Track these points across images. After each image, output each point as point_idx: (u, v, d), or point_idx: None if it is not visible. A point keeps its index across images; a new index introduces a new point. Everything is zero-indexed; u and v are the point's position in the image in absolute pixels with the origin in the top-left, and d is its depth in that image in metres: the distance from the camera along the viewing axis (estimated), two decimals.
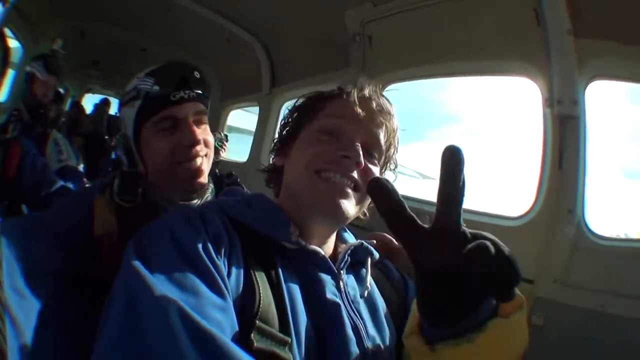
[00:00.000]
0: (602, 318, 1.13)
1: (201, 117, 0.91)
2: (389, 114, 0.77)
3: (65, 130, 2.70)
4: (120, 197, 0.88)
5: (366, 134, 0.73)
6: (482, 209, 1.49)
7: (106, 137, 3.81)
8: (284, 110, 2.54)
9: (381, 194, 0.55)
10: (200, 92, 0.91)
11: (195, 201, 0.92)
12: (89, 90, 5.50)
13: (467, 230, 0.53)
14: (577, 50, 1.26)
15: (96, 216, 0.84)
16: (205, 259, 0.55)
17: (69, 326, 0.68)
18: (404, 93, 1.86)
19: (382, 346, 0.68)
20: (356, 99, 0.73)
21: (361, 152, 0.69)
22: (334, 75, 2.07)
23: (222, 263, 0.57)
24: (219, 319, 0.50)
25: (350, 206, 0.69)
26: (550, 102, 1.34)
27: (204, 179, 0.91)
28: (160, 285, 0.50)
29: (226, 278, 0.56)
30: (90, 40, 3.42)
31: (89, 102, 5.21)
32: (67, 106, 4.11)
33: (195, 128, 0.88)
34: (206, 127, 0.93)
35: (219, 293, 0.52)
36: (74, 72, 4.41)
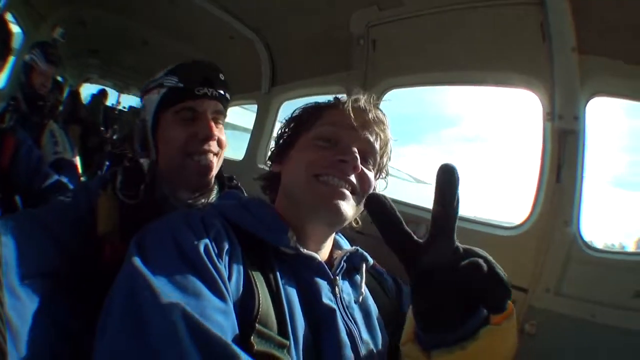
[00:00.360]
0: (593, 327, 1.13)
1: (219, 116, 0.91)
2: (383, 124, 0.77)
3: (62, 120, 2.58)
4: (123, 194, 0.85)
5: (362, 142, 0.73)
6: (478, 218, 1.47)
7: (102, 128, 3.68)
8: (282, 110, 2.52)
9: (379, 208, 0.56)
10: (222, 92, 0.91)
11: (202, 201, 0.91)
12: (87, 80, 5.28)
13: (461, 246, 0.55)
14: (581, 67, 1.25)
15: (99, 214, 0.81)
16: (207, 262, 0.54)
17: (64, 329, 0.65)
18: (401, 95, 1.85)
19: (375, 351, 0.68)
20: (351, 109, 0.73)
21: (358, 157, 0.70)
22: (335, 77, 2.02)
23: (223, 266, 0.56)
24: (221, 322, 0.49)
25: (348, 208, 0.69)
26: (551, 116, 1.33)
27: (211, 177, 0.90)
28: (163, 287, 0.48)
29: (227, 281, 0.55)
30: (90, 28, 3.30)
31: (86, 91, 5.09)
32: (65, 95, 3.94)
33: (212, 124, 0.87)
34: (222, 128, 0.93)
35: (221, 296, 0.52)
36: (73, 60, 4.24)
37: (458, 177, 0.52)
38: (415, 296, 0.56)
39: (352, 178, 0.70)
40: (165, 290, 0.48)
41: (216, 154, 0.90)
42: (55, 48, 2.08)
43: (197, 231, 0.58)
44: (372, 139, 0.75)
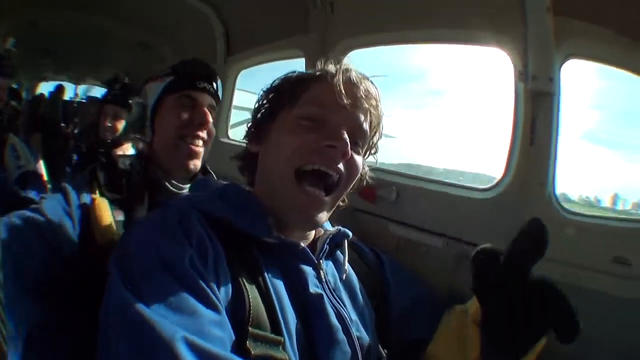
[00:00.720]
0: (571, 291, 1.08)
1: (212, 111, 0.95)
2: (376, 99, 0.67)
3: (23, 130, 2.36)
4: (109, 191, 0.84)
5: (352, 122, 0.64)
6: (451, 180, 1.38)
7: (62, 124, 3.40)
8: (239, 79, 2.30)
9: (486, 267, 0.61)
10: (217, 91, 0.97)
11: (187, 186, 0.92)
12: (43, 79, 4.93)
13: (535, 274, 0.58)
14: (556, 29, 1.12)
15: (95, 222, 0.76)
16: (196, 275, 0.51)
17: (57, 341, 0.62)
18: (363, 52, 1.69)
19: (364, 329, 0.66)
20: (342, 84, 0.63)
21: (348, 142, 0.61)
22: (293, 41, 1.82)
23: (210, 274, 0.53)
24: (219, 335, 0.47)
25: (324, 216, 0.64)
26: (524, 76, 1.20)
27: (198, 163, 0.93)
28: (159, 313, 0.45)
29: (216, 290, 0.52)
30: (41, 28, 2.96)
31: (43, 89, 4.77)
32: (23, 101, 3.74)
33: (208, 115, 0.92)
34: (211, 121, 0.96)
35: (214, 308, 0.50)
36: (27, 63, 3.93)
37: (548, 238, 0.57)
38: (489, 324, 0.59)
39: (340, 165, 0.62)
40: (161, 316, 0.45)
41: (205, 142, 0.94)
42: (9, 59, 1.92)
43: (179, 241, 0.53)
44: (363, 118, 0.65)
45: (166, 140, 0.90)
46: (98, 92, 4.48)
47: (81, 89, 5.10)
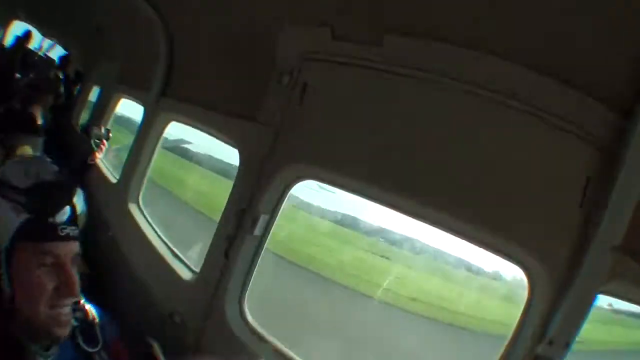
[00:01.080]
0: None
1: (76, 260, 0.77)
2: None
3: None
4: None
5: None
6: None
7: (17, 75, 3.08)
8: (168, 130, 1.84)
9: None
10: (79, 229, 0.78)
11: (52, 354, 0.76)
12: (16, 18, 4.72)
13: None
14: (612, 270, 0.76)
15: None
16: None
17: None
18: None
19: None
20: None
21: None
22: (235, 125, 1.23)
23: None
24: None
25: None
26: (539, 337, 0.77)
27: (67, 330, 0.77)
28: None
29: None
30: None
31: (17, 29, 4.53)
32: None
33: (75, 277, 0.74)
34: (79, 288, 0.79)
35: None
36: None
37: None
38: None
39: None
40: None
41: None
42: None
43: None
44: None
45: (30, 307, 0.73)
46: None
47: (47, 42, 4.78)
